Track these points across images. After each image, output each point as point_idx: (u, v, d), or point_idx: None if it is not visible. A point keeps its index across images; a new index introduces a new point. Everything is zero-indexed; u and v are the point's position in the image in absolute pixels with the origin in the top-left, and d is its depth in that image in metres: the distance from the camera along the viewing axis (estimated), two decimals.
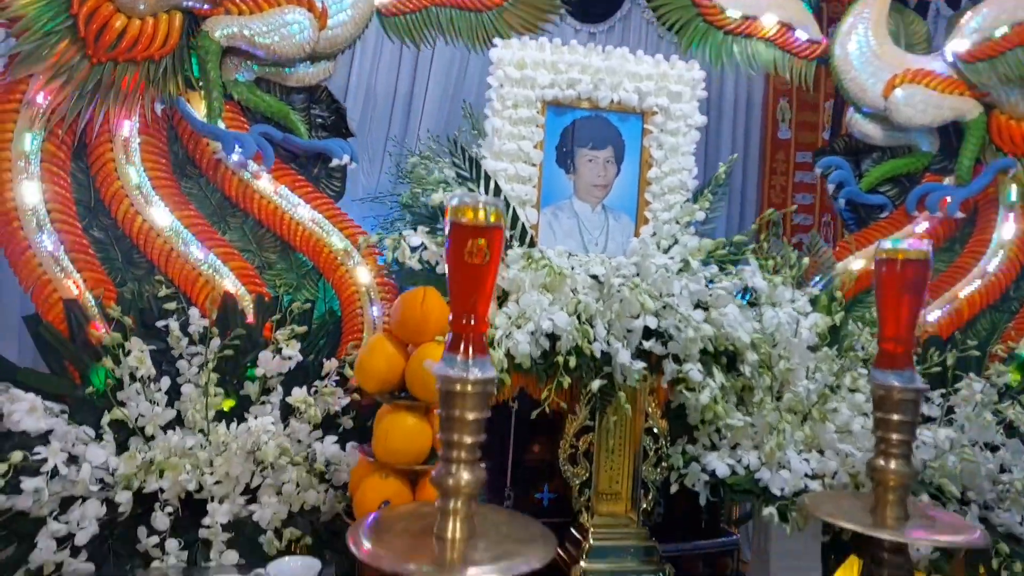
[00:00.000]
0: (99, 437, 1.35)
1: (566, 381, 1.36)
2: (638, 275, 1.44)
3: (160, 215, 1.54)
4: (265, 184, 1.63)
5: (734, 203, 2.91)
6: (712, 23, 1.91)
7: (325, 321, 1.69)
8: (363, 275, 1.67)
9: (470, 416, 0.92)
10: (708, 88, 1.71)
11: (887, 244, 1.17)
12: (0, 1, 1.41)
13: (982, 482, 1.61)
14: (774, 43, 1.94)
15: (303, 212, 1.65)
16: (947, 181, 1.93)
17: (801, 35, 1.96)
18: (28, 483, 1.21)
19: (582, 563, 1.44)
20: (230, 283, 1.58)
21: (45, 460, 1.23)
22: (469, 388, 0.91)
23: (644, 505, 1.53)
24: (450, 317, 0.93)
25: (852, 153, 2.00)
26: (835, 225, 2.95)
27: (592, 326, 1.37)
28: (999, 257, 1.93)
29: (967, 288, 1.93)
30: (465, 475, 0.93)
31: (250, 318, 1.58)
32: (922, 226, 1.96)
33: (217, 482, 1.37)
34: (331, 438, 1.47)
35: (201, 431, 1.40)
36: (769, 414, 1.41)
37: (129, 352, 1.40)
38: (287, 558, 1.19)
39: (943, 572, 1.51)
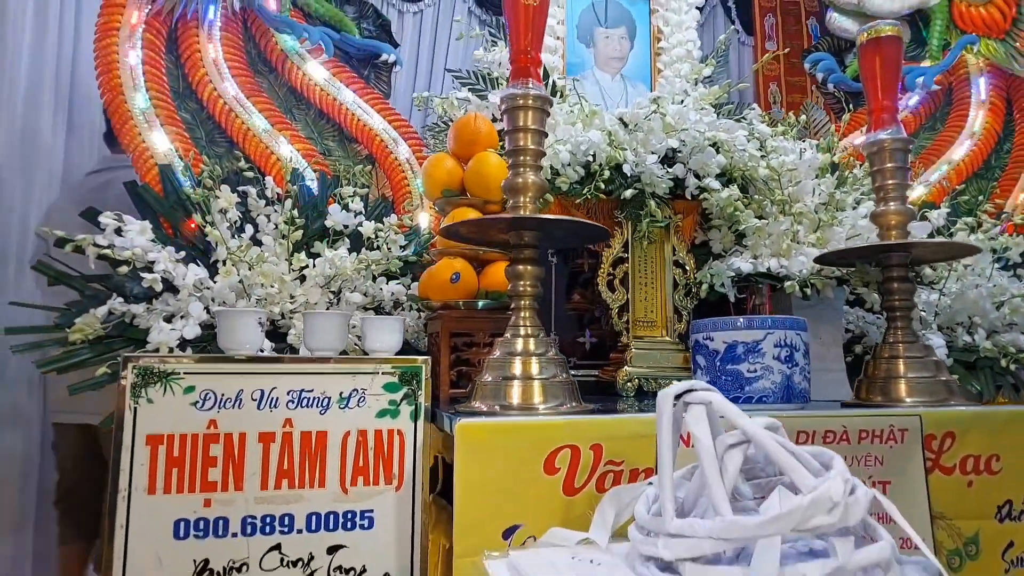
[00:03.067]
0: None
1: (602, 195, 1.54)
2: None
3: (238, 98, 1.77)
4: (323, 75, 1.87)
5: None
6: None
7: (379, 202, 1.89)
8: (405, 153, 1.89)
9: (532, 126, 1.12)
10: None
11: (868, 27, 1.39)
12: None
13: (984, 303, 1.77)
14: None
15: (356, 103, 1.89)
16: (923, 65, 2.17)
17: None
18: (146, 276, 1.40)
19: (627, 367, 1.59)
20: (298, 161, 1.81)
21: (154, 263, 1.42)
22: (531, 102, 1.12)
23: (678, 329, 1.69)
24: (510, 54, 1.15)
25: (836, 52, 2.25)
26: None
27: (623, 150, 1.58)
28: (976, 130, 2.14)
29: (952, 159, 2.13)
30: (531, 177, 1.13)
31: (316, 192, 1.79)
32: (902, 111, 2.19)
33: (294, 311, 1.55)
34: (395, 281, 1.66)
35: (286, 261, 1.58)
36: (784, 222, 1.59)
37: (219, 197, 1.60)
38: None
39: None
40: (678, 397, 0.81)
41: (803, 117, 1.87)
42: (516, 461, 0.98)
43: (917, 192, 2.13)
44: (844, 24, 2.19)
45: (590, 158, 1.56)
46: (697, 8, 1.87)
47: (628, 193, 1.56)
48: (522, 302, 1.12)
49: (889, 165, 1.32)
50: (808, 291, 1.47)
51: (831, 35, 2.24)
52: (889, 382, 1.25)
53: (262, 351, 1.29)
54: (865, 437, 1.09)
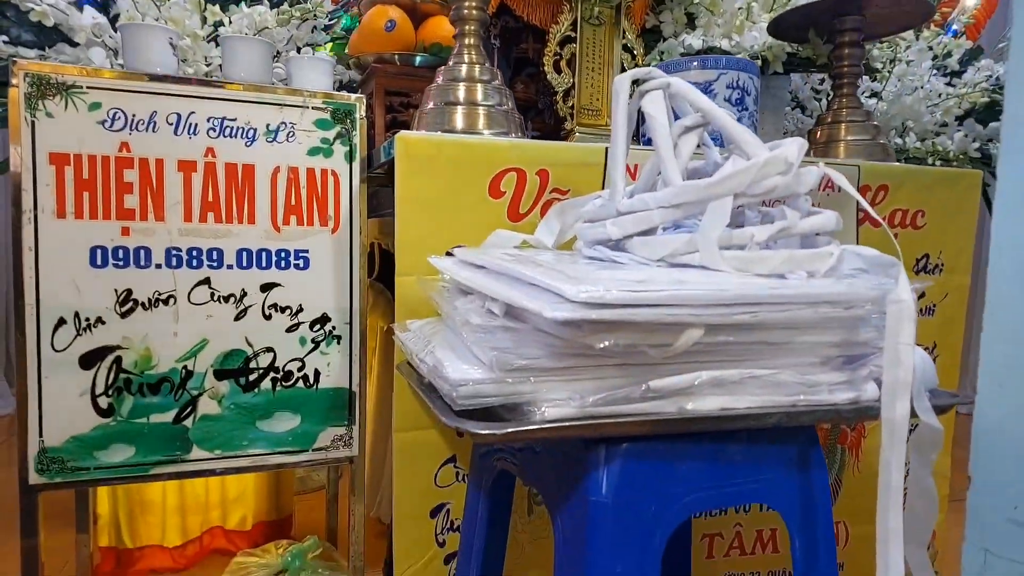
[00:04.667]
0: None
1: None
2: None
3: None
4: None
5: None
6: None
7: None
8: None
9: None
10: None
11: None
12: None
13: (919, 106, 1.80)
14: None
15: None
16: None
17: None
18: (35, 9, 1.22)
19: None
20: None
21: None
22: None
23: None
24: None
25: None
26: None
27: None
28: None
29: None
30: None
31: None
32: None
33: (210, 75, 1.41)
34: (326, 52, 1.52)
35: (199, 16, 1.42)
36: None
37: None
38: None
39: None
40: (636, 83, 0.77)
41: None
42: (459, 182, 0.94)
43: None
44: None
45: None
46: None
47: None
48: (467, 27, 1.03)
49: None
50: (758, 63, 1.43)
51: None
52: (830, 145, 1.26)
53: None
54: None
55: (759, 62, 1.44)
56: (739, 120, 1.13)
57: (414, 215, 0.92)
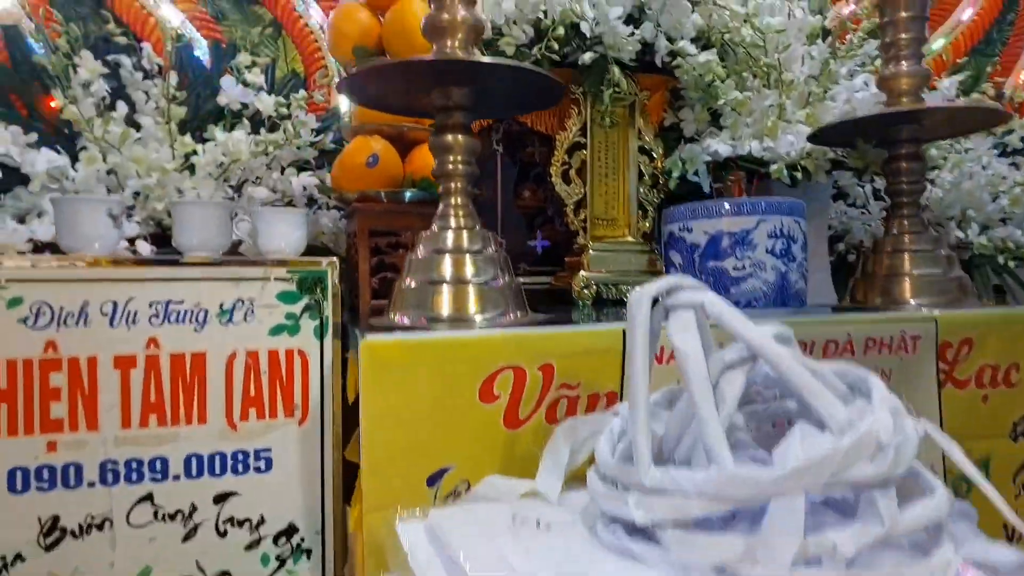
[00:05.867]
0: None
1: (555, 56, 1.27)
2: None
3: None
4: None
5: None
6: None
7: (288, 79, 1.58)
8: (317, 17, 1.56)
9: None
10: None
11: None
12: None
13: (982, 194, 1.59)
14: None
15: None
16: None
17: None
18: None
19: (583, 272, 1.37)
20: (183, 27, 1.47)
21: None
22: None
23: (642, 228, 1.46)
24: None
25: None
26: None
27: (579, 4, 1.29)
28: (975, 7, 1.90)
29: (944, 36, 1.90)
30: (461, 11, 0.85)
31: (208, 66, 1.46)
32: None
33: None
34: (306, 173, 1.38)
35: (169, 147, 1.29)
36: (768, 96, 1.35)
37: (78, 67, 1.27)
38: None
39: None
40: (657, 299, 0.59)
41: None
42: (443, 387, 0.75)
43: None
44: None
45: (540, 14, 1.27)
46: None
47: (587, 57, 1.29)
48: (452, 184, 0.86)
49: (903, 14, 1.08)
50: (798, 175, 1.24)
51: None
52: (892, 280, 1.06)
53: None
54: (872, 347, 0.89)
55: (799, 173, 1.26)
56: (785, 274, 0.94)
57: (385, 435, 0.74)
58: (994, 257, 1.49)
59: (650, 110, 1.50)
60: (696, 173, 1.34)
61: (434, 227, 0.87)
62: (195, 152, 1.27)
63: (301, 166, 1.40)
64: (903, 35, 1.08)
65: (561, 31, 1.26)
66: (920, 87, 1.08)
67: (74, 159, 1.24)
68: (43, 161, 1.19)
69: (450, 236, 0.85)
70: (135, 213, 1.23)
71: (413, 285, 0.84)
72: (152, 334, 0.87)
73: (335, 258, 0.93)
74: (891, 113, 1.05)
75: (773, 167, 1.24)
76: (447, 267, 0.83)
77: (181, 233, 0.94)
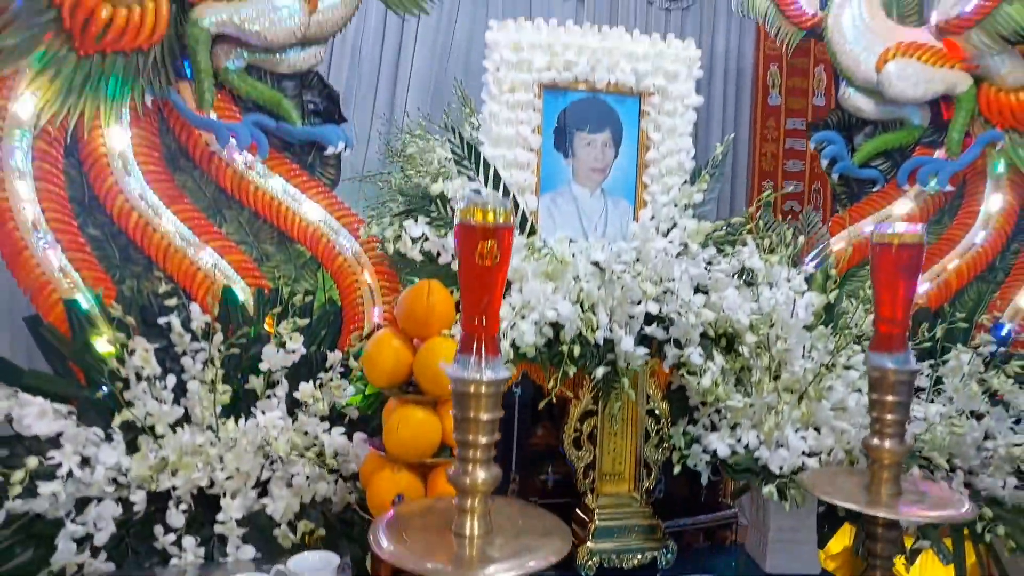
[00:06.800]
0: (109, 438, 1.36)
1: (571, 370, 1.38)
2: (638, 260, 1.46)
3: (155, 210, 1.52)
4: (260, 174, 1.61)
5: (725, 171, 2.92)
6: None
7: (326, 311, 1.69)
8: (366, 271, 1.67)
9: (484, 417, 0.94)
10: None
11: (884, 229, 1.19)
12: None
13: (968, 449, 1.68)
14: None
15: (300, 202, 1.64)
16: (937, 154, 1.95)
17: (802, 1, 1.96)
18: (44, 487, 1.22)
19: (589, 543, 1.49)
20: (229, 278, 1.58)
21: (59, 465, 1.24)
22: (483, 389, 0.93)
23: (647, 485, 1.57)
24: (461, 317, 0.95)
25: (845, 128, 2.01)
26: (825, 192, 2.98)
27: (595, 314, 1.39)
28: (986, 230, 1.97)
29: (955, 260, 1.96)
30: (481, 474, 0.96)
31: (251, 312, 1.58)
32: (910, 201, 1.99)
33: (228, 478, 1.39)
34: (338, 429, 1.49)
35: (210, 427, 1.41)
36: (767, 394, 1.45)
37: (133, 351, 1.40)
38: (306, 553, 1.21)
39: (930, 537, 1.59)
40: None
41: (800, 238, 1.67)
42: None
43: (923, 288, 1.96)
44: (858, 103, 1.93)
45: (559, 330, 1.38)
46: (694, 109, 1.61)
47: (600, 372, 1.39)
48: None
49: (890, 398, 1.17)
50: (788, 497, 1.35)
51: (842, 109, 1.98)
52: None
53: None
54: None
55: (787, 495, 1.36)
56: None
57: None
58: None
59: (659, 372, 1.60)
60: (695, 466, 1.45)
61: None
62: (235, 439, 1.39)
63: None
64: (889, 416, 1.17)
65: (577, 349, 1.36)
66: (899, 462, 1.18)
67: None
68: (100, 469, 1.29)
69: None
70: None
71: None
72: None
73: None
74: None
75: (765, 489, 1.35)
76: None
77: None
